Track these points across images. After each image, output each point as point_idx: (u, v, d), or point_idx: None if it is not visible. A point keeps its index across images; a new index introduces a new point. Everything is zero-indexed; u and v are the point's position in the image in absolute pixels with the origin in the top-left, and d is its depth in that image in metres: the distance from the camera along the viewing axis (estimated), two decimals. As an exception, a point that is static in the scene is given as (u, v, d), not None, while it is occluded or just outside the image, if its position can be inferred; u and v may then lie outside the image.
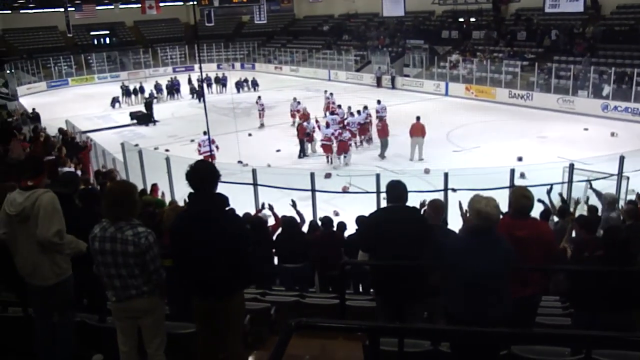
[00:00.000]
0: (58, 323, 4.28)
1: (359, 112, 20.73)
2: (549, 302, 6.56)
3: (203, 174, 3.80)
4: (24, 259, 4.17)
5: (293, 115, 23.87)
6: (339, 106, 22.40)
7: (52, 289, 4.17)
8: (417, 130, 18.48)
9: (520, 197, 4.42)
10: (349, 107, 21.46)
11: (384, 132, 19.04)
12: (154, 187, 11.55)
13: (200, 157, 16.15)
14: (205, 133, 16.47)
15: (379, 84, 35.81)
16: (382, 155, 18.92)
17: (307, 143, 20.05)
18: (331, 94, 26.33)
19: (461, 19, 37.56)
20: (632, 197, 10.41)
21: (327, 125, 19.15)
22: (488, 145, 19.44)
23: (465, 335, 2.81)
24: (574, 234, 7.54)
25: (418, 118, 18.74)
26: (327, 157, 18.80)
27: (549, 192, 9.40)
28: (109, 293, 3.92)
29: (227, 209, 3.90)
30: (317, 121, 20.34)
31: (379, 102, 22.53)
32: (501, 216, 4.35)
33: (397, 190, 4.66)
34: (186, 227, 3.83)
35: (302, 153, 19.74)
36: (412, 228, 4.51)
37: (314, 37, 47.96)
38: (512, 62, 30.14)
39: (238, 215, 4.56)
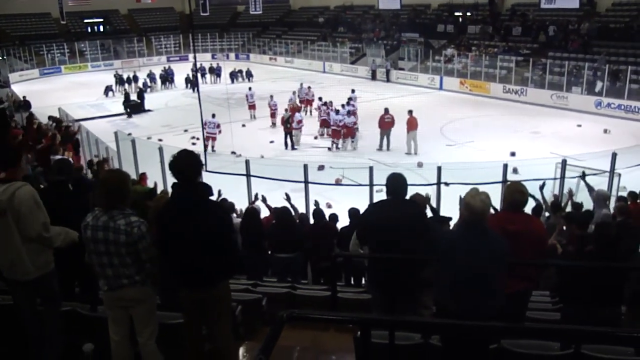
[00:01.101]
0: (44, 314, 4.25)
1: (343, 105, 21.00)
2: (539, 297, 6.61)
3: (185, 164, 3.78)
4: (3, 253, 4.07)
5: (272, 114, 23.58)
6: (320, 99, 22.67)
7: (34, 282, 4.11)
8: (413, 124, 18.57)
9: (515, 191, 4.43)
10: (331, 102, 21.48)
11: (391, 124, 19.03)
12: (142, 176, 11.56)
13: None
14: (213, 116, 19.37)
15: (374, 77, 35.77)
16: (388, 148, 19.09)
17: (299, 133, 20.39)
18: (309, 87, 25.97)
19: (457, 13, 37.52)
20: (623, 193, 10.48)
21: (337, 112, 19.85)
22: (481, 139, 19.50)
23: (456, 328, 2.82)
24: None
25: (410, 112, 18.79)
26: (332, 142, 19.72)
27: (541, 187, 9.44)
28: (101, 282, 3.91)
29: (210, 198, 3.89)
30: (327, 107, 20.97)
31: (353, 91, 23.30)
32: (492, 211, 4.37)
33: (396, 183, 4.65)
34: (169, 217, 3.83)
35: (292, 145, 19.95)
36: (411, 222, 4.51)
37: (309, 28, 47.78)
38: (506, 57, 30.17)
39: (221, 204, 4.57)
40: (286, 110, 20.66)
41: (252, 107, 24.53)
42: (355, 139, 19.57)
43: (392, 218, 4.49)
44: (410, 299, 4.66)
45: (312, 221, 8.55)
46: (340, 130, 19.45)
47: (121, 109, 27.25)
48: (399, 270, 4.51)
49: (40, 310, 4.25)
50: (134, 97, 28.67)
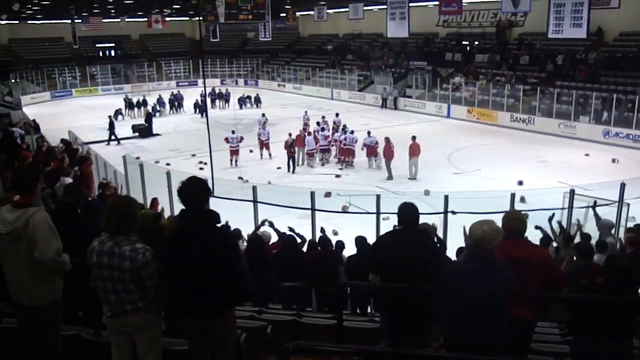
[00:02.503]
0: (46, 340, 4.20)
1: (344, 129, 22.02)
2: (547, 329, 6.52)
3: (194, 191, 3.80)
4: (13, 278, 4.08)
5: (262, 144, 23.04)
6: (318, 123, 23.32)
7: (42, 309, 4.09)
8: (415, 150, 18.86)
9: (513, 220, 4.43)
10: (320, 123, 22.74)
11: (390, 153, 19.28)
12: (154, 201, 11.54)
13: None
14: (233, 132, 21.46)
15: (384, 104, 35.91)
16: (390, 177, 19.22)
17: (308, 157, 21.19)
18: (323, 117, 25.55)
19: (465, 42, 37.84)
20: (632, 224, 10.40)
21: (352, 132, 21.14)
22: (489, 168, 19.44)
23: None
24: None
25: (414, 138, 19.10)
26: (346, 160, 20.88)
27: (550, 219, 9.38)
28: (105, 307, 3.89)
29: (218, 225, 3.89)
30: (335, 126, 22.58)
31: (337, 115, 24.81)
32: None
33: (408, 213, 4.63)
34: (176, 244, 3.83)
35: (292, 169, 20.51)
36: (422, 254, 4.49)
37: (318, 55, 48.28)
38: (514, 86, 30.30)
39: (229, 231, 4.57)
40: (290, 135, 20.79)
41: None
42: (378, 158, 20.27)
43: (404, 249, 4.47)
44: (418, 329, 4.61)
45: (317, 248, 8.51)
46: (353, 149, 20.61)
47: (130, 133, 27.53)
48: (408, 300, 4.48)
49: (42, 336, 4.20)
50: (136, 121, 28.97)
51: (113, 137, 26.30)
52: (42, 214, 4.07)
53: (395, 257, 4.51)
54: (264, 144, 22.50)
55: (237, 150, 21.12)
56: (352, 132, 21.14)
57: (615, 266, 4.63)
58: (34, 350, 4.21)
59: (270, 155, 22.30)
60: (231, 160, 20.97)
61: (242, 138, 21.50)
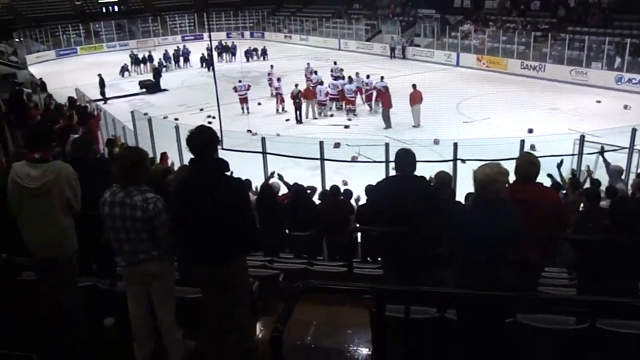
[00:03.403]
0: (69, 291, 4.30)
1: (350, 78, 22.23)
2: (555, 274, 6.59)
3: (202, 139, 3.80)
4: (37, 232, 4.10)
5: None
6: (315, 72, 24.06)
7: (67, 260, 4.18)
8: (417, 98, 19.00)
9: (526, 163, 4.41)
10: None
11: (387, 103, 19.44)
12: (164, 155, 11.60)
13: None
14: (240, 81, 22.36)
15: (392, 54, 35.40)
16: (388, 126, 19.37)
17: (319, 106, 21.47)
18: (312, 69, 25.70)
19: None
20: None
21: (368, 77, 22.34)
22: (499, 116, 19.28)
23: (474, 298, 2.82)
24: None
25: (414, 86, 19.18)
26: (349, 110, 21.45)
27: (559, 165, 9.35)
28: (119, 258, 3.96)
29: (226, 173, 3.91)
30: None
31: (335, 63, 25.91)
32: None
33: (406, 159, 4.62)
34: (186, 192, 3.86)
35: (299, 119, 20.79)
36: (419, 198, 4.48)
37: (324, 5, 47.27)
38: (525, 32, 29.68)
39: (238, 180, 4.59)
40: (296, 85, 20.72)
41: (271, 85, 24.43)
42: (379, 104, 20.56)
43: (400, 194, 4.47)
44: (423, 275, 4.66)
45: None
46: (355, 98, 21.49)
47: (137, 89, 27.51)
48: (410, 246, 4.50)
49: (64, 287, 4.29)
50: (150, 76, 28.56)
51: (101, 96, 25.98)
52: (69, 166, 4.18)
53: (391, 204, 4.51)
54: (282, 99, 22.45)
55: (246, 98, 21.95)
56: (367, 76, 22.06)
57: (621, 209, 4.63)
58: (56, 302, 4.30)
59: (283, 108, 22.25)
60: (242, 108, 21.82)
61: (249, 86, 22.19)
